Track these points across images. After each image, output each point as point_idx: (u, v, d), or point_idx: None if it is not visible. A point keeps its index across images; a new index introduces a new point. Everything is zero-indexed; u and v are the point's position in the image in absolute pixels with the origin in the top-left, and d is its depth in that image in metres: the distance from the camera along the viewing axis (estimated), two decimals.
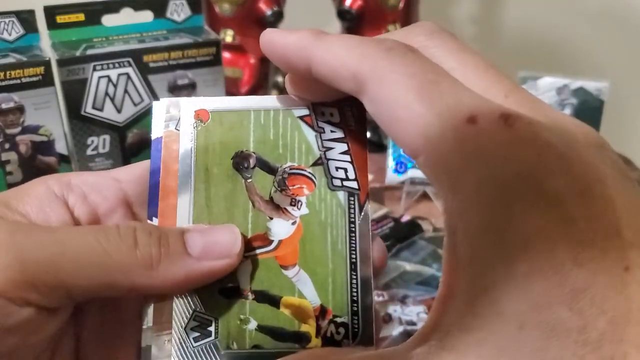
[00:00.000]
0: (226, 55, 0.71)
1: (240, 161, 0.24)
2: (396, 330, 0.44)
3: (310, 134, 0.25)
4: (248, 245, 0.24)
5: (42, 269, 0.21)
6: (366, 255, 0.24)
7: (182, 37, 0.56)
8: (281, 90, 0.80)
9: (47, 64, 0.51)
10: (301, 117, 0.25)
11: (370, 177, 0.68)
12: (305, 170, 0.24)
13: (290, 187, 0.24)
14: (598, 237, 0.16)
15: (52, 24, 0.55)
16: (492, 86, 0.19)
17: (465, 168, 0.18)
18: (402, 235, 0.56)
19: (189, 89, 0.56)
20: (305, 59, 0.22)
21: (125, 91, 0.55)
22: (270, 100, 0.25)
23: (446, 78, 0.19)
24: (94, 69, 0.53)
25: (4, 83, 0.50)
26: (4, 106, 0.51)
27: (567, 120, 0.18)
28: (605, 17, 1.01)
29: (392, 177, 0.62)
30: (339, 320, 0.23)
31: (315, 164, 0.24)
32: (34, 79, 0.51)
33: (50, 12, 0.55)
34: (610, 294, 0.16)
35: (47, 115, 0.52)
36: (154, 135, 0.25)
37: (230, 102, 0.25)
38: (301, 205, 0.24)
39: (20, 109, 0.52)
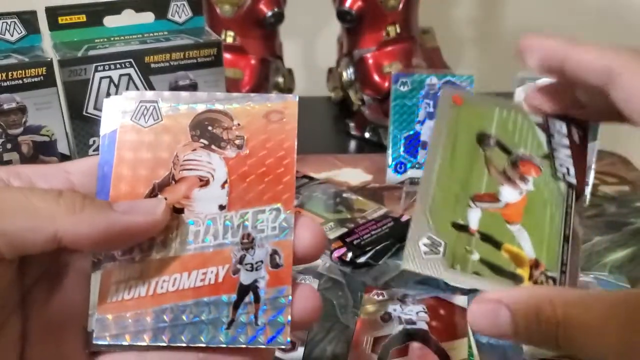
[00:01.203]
0: (227, 56, 0.72)
1: (483, 138, 0.31)
2: (395, 329, 0.44)
3: (542, 136, 0.32)
4: (480, 198, 0.29)
5: None
6: (576, 233, 0.29)
7: (183, 38, 0.57)
8: (281, 91, 0.80)
9: (49, 65, 0.52)
10: (537, 123, 0.32)
11: (369, 177, 0.69)
12: (535, 159, 0.31)
13: (521, 167, 0.31)
14: None
15: (54, 25, 0.55)
16: None
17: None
18: (402, 234, 0.56)
19: (190, 89, 0.57)
20: (561, 58, 0.27)
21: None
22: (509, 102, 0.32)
23: None
24: (96, 70, 0.53)
25: (6, 83, 0.51)
26: (6, 106, 0.51)
27: None
28: (605, 17, 1.01)
29: (392, 177, 0.63)
30: (549, 273, 0.28)
31: (544, 157, 0.31)
32: (36, 79, 0.52)
33: (52, 13, 0.55)
34: None
35: (49, 116, 0.53)
36: (106, 129, 0.27)
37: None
38: (528, 182, 0.30)
39: (22, 110, 0.52)
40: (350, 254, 0.53)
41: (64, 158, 0.54)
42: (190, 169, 0.27)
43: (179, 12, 0.58)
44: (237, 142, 0.27)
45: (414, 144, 0.62)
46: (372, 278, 0.52)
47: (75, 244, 0.23)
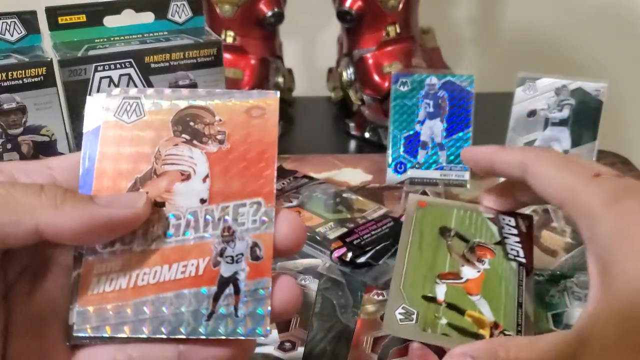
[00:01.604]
0: (227, 56, 0.72)
1: (444, 231, 0.40)
2: None
3: (494, 228, 0.40)
4: (444, 276, 0.37)
5: None
6: (529, 301, 0.36)
7: (183, 38, 0.57)
8: (281, 91, 0.80)
9: (49, 65, 0.52)
10: (489, 218, 0.41)
11: (369, 177, 0.69)
12: (489, 245, 0.39)
13: (478, 251, 0.38)
14: None
15: (53, 25, 0.55)
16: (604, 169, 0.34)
17: (601, 208, 0.29)
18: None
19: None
20: (490, 160, 0.38)
21: None
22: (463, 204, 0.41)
23: (574, 160, 0.34)
24: (96, 70, 0.53)
25: (6, 84, 0.51)
26: (5, 106, 0.51)
27: None
28: (604, 17, 1.01)
29: (391, 177, 0.63)
30: (507, 332, 0.34)
31: (496, 243, 0.39)
32: (36, 79, 0.52)
33: (52, 13, 0.55)
34: None
35: (49, 116, 0.53)
36: (89, 126, 0.28)
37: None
38: (484, 263, 0.38)
39: (22, 110, 0.52)
40: (350, 254, 0.53)
41: None
42: (172, 164, 0.27)
43: (179, 12, 0.58)
44: (218, 137, 0.28)
45: (413, 144, 0.62)
46: (372, 278, 0.52)
47: (56, 237, 0.24)
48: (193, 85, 0.57)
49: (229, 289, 0.26)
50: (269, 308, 0.26)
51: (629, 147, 0.75)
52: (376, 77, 0.75)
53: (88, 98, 0.28)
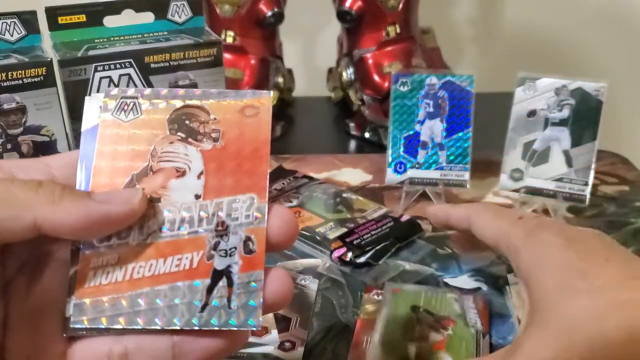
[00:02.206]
0: (227, 56, 0.72)
1: (414, 308, 0.46)
2: None
3: (456, 305, 0.47)
4: (415, 339, 0.43)
5: None
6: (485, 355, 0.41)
7: (183, 38, 0.57)
8: (281, 91, 0.80)
9: (48, 65, 0.52)
10: (453, 298, 0.47)
11: (369, 177, 0.69)
12: (452, 316, 0.45)
13: (442, 321, 0.44)
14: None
15: (53, 25, 0.55)
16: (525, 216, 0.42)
17: (522, 242, 0.37)
18: (402, 234, 0.57)
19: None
20: (445, 216, 0.47)
21: None
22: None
23: (502, 209, 0.43)
24: (96, 70, 0.53)
25: (5, 84, 0.51)
26: (5, 106, 0.51)
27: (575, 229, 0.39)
28: (604, 17, 1.01)
29: (391, 177, 0.63)
30: None
31: (458, 315, 0.45)
32: (36, 79, 0.52)
33: (52, 13, 0.55)
34: None
35: (49, 116, 0.53)
36: (87, 125, 0.29)
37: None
38: (448, 329, 0.43)
39: (22, 110, 0.52)
40: (350, 254, 0.53)
41: None
42: (168, 161, 0.28)
43: (179, 12, 0.58)
44: (213, 135, 0.28)
45: (413, 144, 0.62)
46: (372, 278, 0.52)
47: (54, 232, 0.24)
48: (193, 86, 0.57)
49: (223, 282, 0.27)
50: (261, 300, 0.27)
51: (628, 147, 0.74)
52: (376, 77, 0.75)
53: (86, 98, 0.29)
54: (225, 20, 0.75)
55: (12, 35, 0.53)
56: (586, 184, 0.58)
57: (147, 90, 0.29)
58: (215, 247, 0.27)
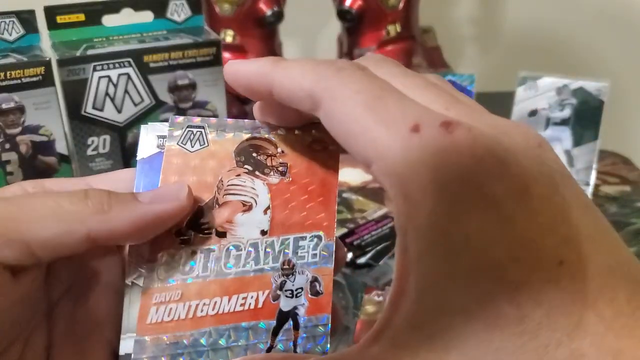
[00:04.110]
0: (226, 55, 0.72)
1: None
2: None
3: None
4: None
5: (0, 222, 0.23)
6: None
7: (183, 37, 0.56)
8: None
9: (47, 64, 0.51)
10: None
11: (369, 177, 0.69)
12: None
13: None
14: (535, 234, 0.18)
15: (52, 24, 0.55)
16: (433, 101, 0.21)
17: (412, 174, 0.19)
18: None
19: (189, 89, 0.56)
20: (267, 85, 0.24)
21: (126, 91, 0.55)
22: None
23: (391, 93, 0.21)
24: (94, 69, 0.53)
25: (4, 83, 0.50)
26: (4, 106, 0.51)
27: (506, 124, 0.20)
28: (605, 17, 1.01)
29: None
30: None
31: None
32: (35, 79, 0.51)
33: (51, 12, 0.55)
34: (545, 288, 0.17)
35: (48, 115, 0.52)
36: (143, 154, 0.27)
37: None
38: None
39: (20, 109, 0.52)
40: (350, 255, 0.53)
41: (62, 158, 0.54)
42: (234, 194, 0.27)
43: (178, 11, 0.58)
44: (280, 169, 0.28)
45: None
46: (372, 279, 0.51)
47: (108, 241, 0.24)
48: (192, 85, 0.56)
49: (288, 324, 0.26)
50: (328, 346, 0.26)
51: (630, 147, 0.74)
52: None
53: (142, 126, 0.28)
54: (225, 20, 0.74)
55: (10, 35, 0.53)
56: (587, 184, 0.57)
57: (214, 120, 0.28)
58: (281, 286, 0.26)
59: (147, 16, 0.58)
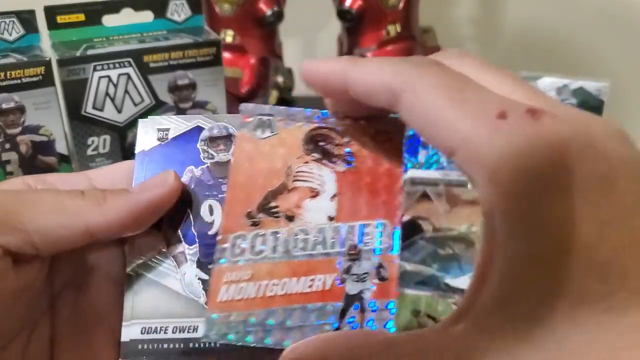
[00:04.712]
0: (226, 55, 0.72)
1: (416, 313, 0.47)
2: None
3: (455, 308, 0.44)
4: None
5: (2, 210, 0.24)
6: None
7: (183, 37, 0.56)
8: (281, 90, 0.80)
9: (47, 64, 0.51)
10: (453, 303, 0.47)
11: None
12: None
13: None
14: (619, 217, 0.18)
15: (52, 24, 0.55)
16: (514, 91, 0.21)
17: (500, 159, 0.19)
18: (403, 235, 0.56)
19: (190, 89, 0.56)
20: (343, 82, 0.25)
21: (126, 91, 0.55)
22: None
23: (472, 85, 0.21)
24: (95, 69, 0.53)
25: (4, 83, 0.50)
26: (4, 106, 0.51)
27: (587, 114, 0.20)
28: (605, 17, 1.01)
29: None
30: None
31: None
32: (35, 79, 0.51)
33: (51, 12, 0.55)
34: (634, 267, 0.18)
35: (48, 115, 0.53)
36: (142, 147, 0.28)
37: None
38: None
39: (20, 109, 0.52)
40: None
41: (62, 158, 0.54)
42: (303, 180, 0.28)
43: (178, 11, 0.58)
44: (346, 157, 0.29)
45: (414, 144, 0.62)
46: None
47: (106, 233, 0.25)
48: (192, 85, 0.56)
49: (355, 307, 0.26)
50: (394, 329, 0.26)
51: None
52: None
53: (140, 120, 0.29)
54: (225, 19, 0.74)
55: (10, 35, 0.53)
56: None
57: (282, 109, 0.29)
58: (347, 270, 0.27)
59: (147, 16, 0.58)
